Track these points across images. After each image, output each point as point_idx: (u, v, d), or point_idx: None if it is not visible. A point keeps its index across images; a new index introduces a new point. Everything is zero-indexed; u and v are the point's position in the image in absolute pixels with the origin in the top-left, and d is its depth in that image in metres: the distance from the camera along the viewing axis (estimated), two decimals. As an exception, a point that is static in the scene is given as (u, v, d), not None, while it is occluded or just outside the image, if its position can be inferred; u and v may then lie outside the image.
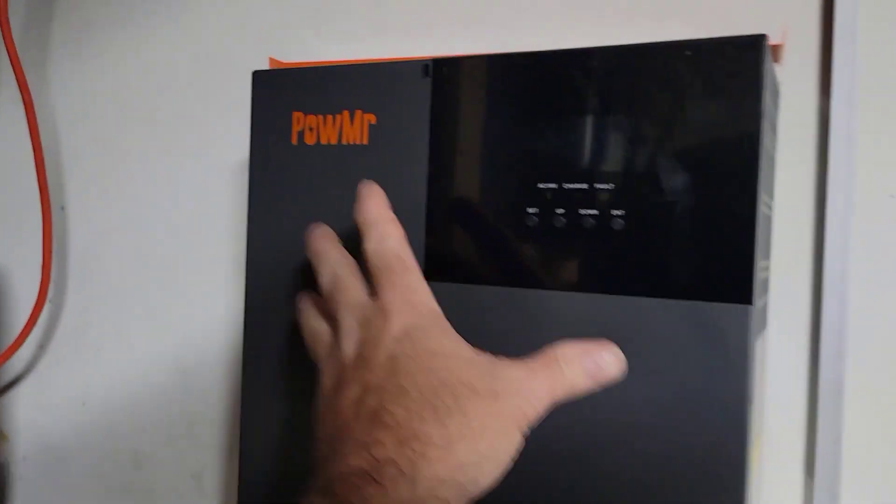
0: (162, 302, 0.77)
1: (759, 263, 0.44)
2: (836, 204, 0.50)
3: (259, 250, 0.56)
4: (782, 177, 0.52)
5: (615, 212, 0.45)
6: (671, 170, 0.43)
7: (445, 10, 0.64)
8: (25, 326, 0.78)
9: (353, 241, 0.45)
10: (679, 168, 0.43)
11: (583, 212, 0.45)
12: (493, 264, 0.48)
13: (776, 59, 0.52)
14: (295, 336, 0.48)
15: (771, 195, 0.52)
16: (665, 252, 0.44)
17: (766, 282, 0.50)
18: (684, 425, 0.43)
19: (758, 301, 0.43)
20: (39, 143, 0.77)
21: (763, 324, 0.50)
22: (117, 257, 0.80)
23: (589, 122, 0.45)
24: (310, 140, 0.53)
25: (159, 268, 0.77)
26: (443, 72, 0.50)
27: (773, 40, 0.45)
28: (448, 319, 0.43)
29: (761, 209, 0.43)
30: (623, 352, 0.42)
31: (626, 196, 0.44)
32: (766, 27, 0.43)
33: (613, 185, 0.45)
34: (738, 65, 0.42)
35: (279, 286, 0.54)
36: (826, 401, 0.50)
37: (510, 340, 0.47)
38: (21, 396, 0.86)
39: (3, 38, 0.74)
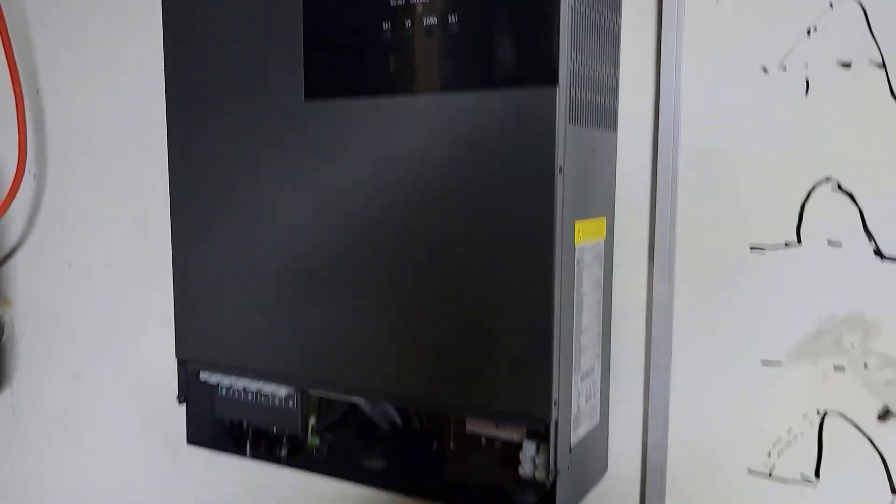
0: (131, 174, 0.85)
1: (575, 56, 0.50)
2: (670, 14, 0.56)
3: (178, 101, 0.64)
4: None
5: (451, 17, 0.51)
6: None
7: None
8: (7, 195, 0.88)
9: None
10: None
11: (426, 20, 0.52)
12: (359, 77, 0.55)
13: None
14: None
15: (616, 9, 0.57)
16: (490, 45, 0.50)
17: (608, 87, 0.57)
18: (504, 196, 0.50)
19: (571, 88, 0.50)
20: (6, 30, 0.85)
21: (607, 123, 0.57)
22: (89, 135, 0.88)
23: (427, -61, 0.52)
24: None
25: (128, 141, 0.86)
26: None
27: None
28: (328, 135, 0.51)
29: (576, 6, 0.50)
30: (461, 142, 0.50)
31: (459, 3, 0.51)
32: None
33: (449, -8, 0.51)
34: None
35: (205, 141, 0.63)
36: (662, 189, 0.57)
37: (377, 147, 0.55)
38: (18, 265, 0.97)
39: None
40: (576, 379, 0.54)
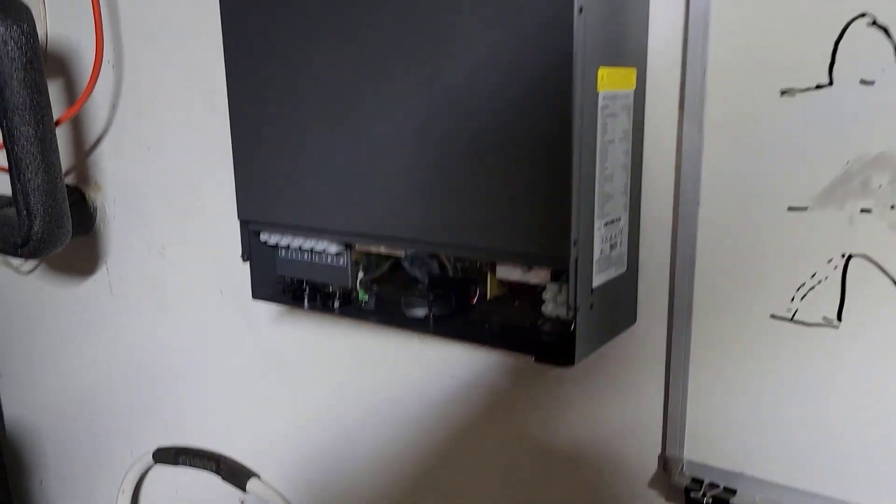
0: (196, 56, 0.90)
1: None
2: None
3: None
4: None
5: None
6: None
7: None
8: (88, 83, 0.95)
9: None
10: None
11: None
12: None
13: None
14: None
15: None
16: None
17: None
18: (526, 36, 0.52)
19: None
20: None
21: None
22: (157, 23, 0.94)
23: None
24: None
25: (192, 27, 0.90)
26: None
27: None
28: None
29: None
30: None
31: None
32: None
33: None
34: None
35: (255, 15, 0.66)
36: (694, 35, 0.57)
37: (400, -7, 0.57)
38: (104, 151, 1.06)
39: None
40: (598, 224, 0.57)
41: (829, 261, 0.56)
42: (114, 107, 1.03)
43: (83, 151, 1.08)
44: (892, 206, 0.53)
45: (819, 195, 0.55)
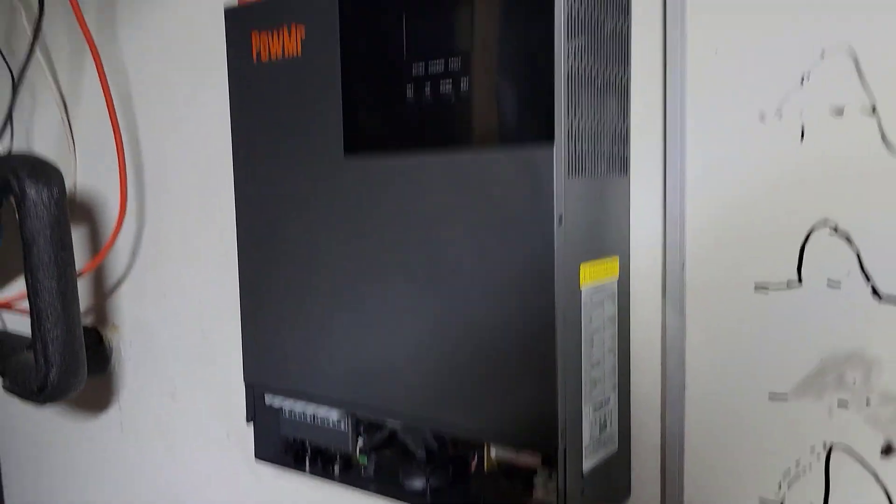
0: (217, 214, 0.96)
1: (573, 113, 0.55)
2: (674, 67, 0.60)
3: (240, 153, 0.74)
4: (636, 52, 0.62)
5: (462, 82, 0.58)
6: (497, 47, 0.56)
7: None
8: (112, 236, 1.01)
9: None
10: (502, 45, 0.55)
11: (442, 85, 0.59)
12: (387, 136, 0.62)
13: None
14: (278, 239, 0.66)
15: (625, 64, 0.62)
16: (496, 109, 0.56)
17: (617, 136, 0.61)
18: (512, 243, 0.56)
19: (569, 144, 0.55)
20: (108, 88, 0.98)
21: (616, 170, 0.61)
22: (178, 179, 1.00)
23: (442, 17, 0.58)
24: (264, 58, 0.70)
25: (209, 185, 0.97)
26: (344, -13, 0.64)
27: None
28: (363, 184, 0.59)
29: (572, 71, 0.55)
30: (473, 192, 0.56)
31: (469, 69, 0.57)
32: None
33: (460, 57, 0.57)
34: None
35: (257, 170, 0.72)
36: (672, 231, 0.61)
37: (398, 193, 0.61)
38: (124, 294, 1.11)
39: (75, 14, 0.96)
40: (586, 410, 0.59)
41: (812, 449, 0.57)
42: (134, 254, 1.08)
43: (103, 294, 1.12)
44: (868, 402, 0.54)
45: (797, 386, 0.57)
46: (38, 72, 1.10)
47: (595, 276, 0.59)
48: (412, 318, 0.62)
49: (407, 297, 0.62)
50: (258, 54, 0.70)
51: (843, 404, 0.55)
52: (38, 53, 1.06)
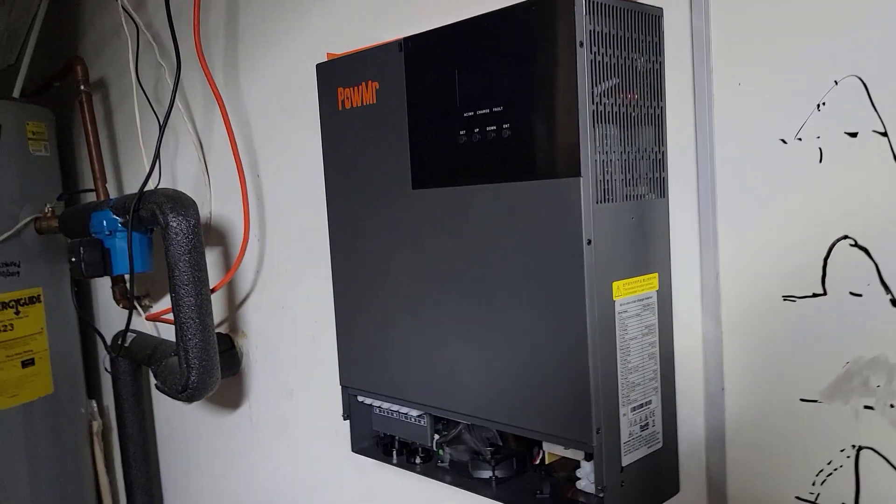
0: (318, 237, 1.10)
1: (601, 147, 0.62)
2: (701, 98, 0.65)
3: (331, 189, 0.86)
4: (669, 86, 0.68)
5: (504, 126, 0.66)
6: (530, 93, 0.64)
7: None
8: (238, 256, 1.18)
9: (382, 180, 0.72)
10: (535, 91, 0.63)
11: (488, 128, 0.67)
12: (446, 171, 0.72)
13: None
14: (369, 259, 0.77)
15: (660, 98, 0.68)
16: (533, 149, 0.64)
17: (653, 162, 0.67)
18: (549, 263, 0.64)
19: (597, 176, 0.62)
20: (233, 133, 1.15)
21: (653, 191, 0.67)
22: (291, 207, 1.15)
23: (484, 67, 0.67)
24: (347, 105, 0.81)
25: (315, 211, 1.10)
26: (409, 46, 0.74)
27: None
28: (428, 213, 0.69)
29: (598, 109, 0.62)
30: (517, 219, 0.65)
31: (509, 115, 0.66)
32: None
33: (502, 108, 0.66)
34: (557, 13, 0.61)
35: (344, 203, 0.84)
36: (706, 247, 0.66)
37: (456, 220, 0.71)
38: (250, 306, 1.27)
39: (204, 71, 1.13)
40: (624, 410, 0.65)
41: (842, 450, 0.60)
42: (257, 271, 1.24)
43: (234, 306, 1.30)
44: (892, 405, 0.57)
45: (825, 390, 0.61)
46: (178, 119, 1.30)
47: (630, 290, 0.65)
48: (471, 331, 0.71)
49: (465, 313, 0.71)
50: (342, 103, 0.82)
51: (869, 408, 0.59)
52: (178, 103, 1.25)
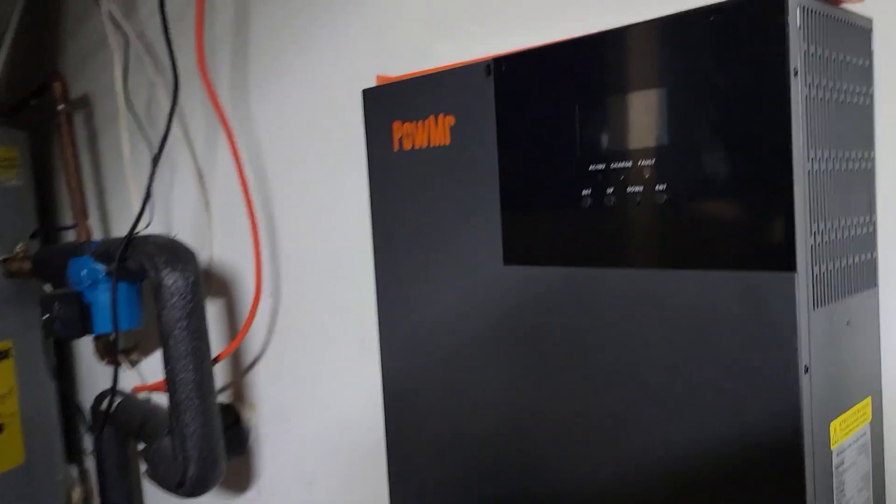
0: (355, 302, 0.89)
1: (816, 226, 0.41)
2: None
3: (382, 248, 0.65)
4: (879, 128, 0.47)
5: (658, 186, 0.45)
6: (704, 139, 0.43)
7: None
8: (248, 317, 0.96)
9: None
10: (711, 137, 0.42)
11: (630, 189, 0.46)
12: (558, 246, 0.51)
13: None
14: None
15: (869, 147, 0.47)
16: (706, 222, 0.43)
17: (863, 238, 0.46)
18: (735, 400, 0.43)
19: (813, 267, 0.41)
20: (241, 164, 0.94)
21: (863, 283, 0.46)
22: (314, 259, 0.94)
23: (627, 100, 0.46)
24: (407, 146, 0.60)
25: (345, 265, 0.89)
26: (501, 69, 0.53)
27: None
28: (524, 298, 0.47)
29: (813, 168, 0.41)
30: (675, 327, 0.43)
31: (666, 170, 0.45)
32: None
33: (655, 160, 0.45)
34: (759, 24, 0.40)
35: (400, 268, 0.63)
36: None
37: (575, 319, 0.50)
38: (261, 372, 1.06)
39: (207, 92, 0.92)
40: None
41: None
42: (270, 332, 1.03)
43: (240, 371, 1.08)
44: None
45: None
46: (175, 146, 1.08)
47: (846, 429, 0.44)
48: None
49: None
50: (400, 142, 0.61)
51: None
52: (175, 127, 1.04)
